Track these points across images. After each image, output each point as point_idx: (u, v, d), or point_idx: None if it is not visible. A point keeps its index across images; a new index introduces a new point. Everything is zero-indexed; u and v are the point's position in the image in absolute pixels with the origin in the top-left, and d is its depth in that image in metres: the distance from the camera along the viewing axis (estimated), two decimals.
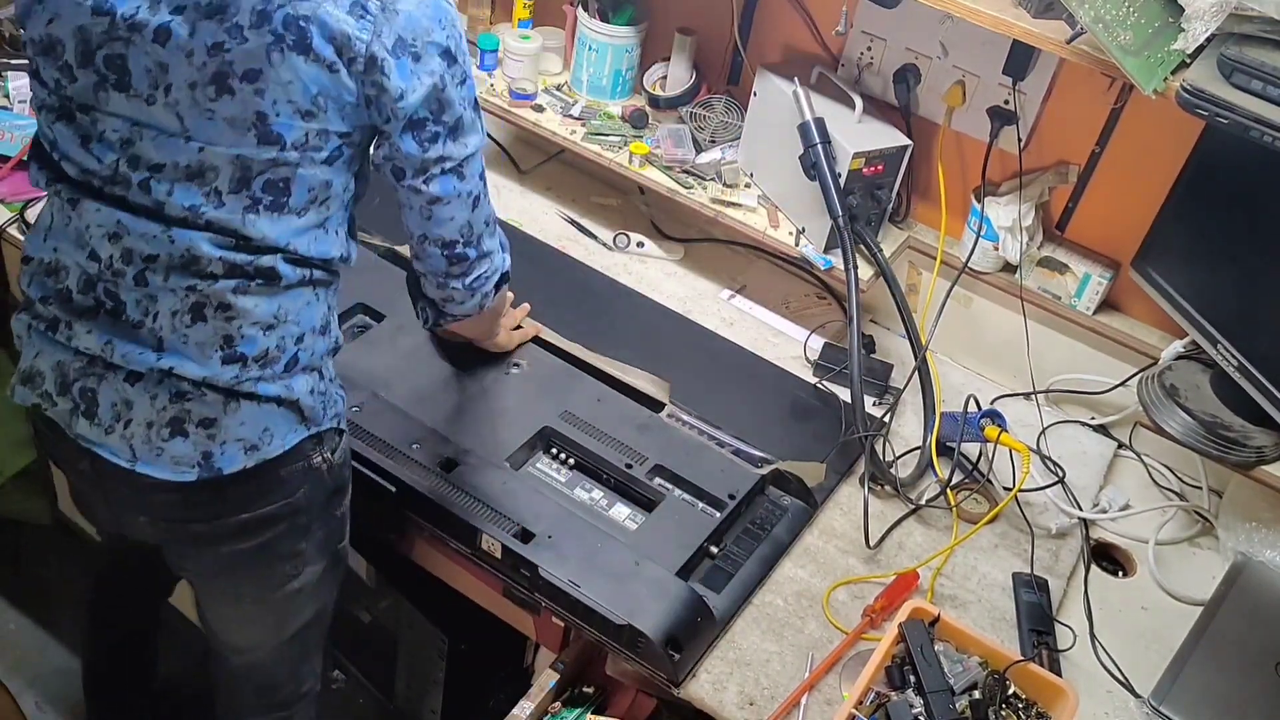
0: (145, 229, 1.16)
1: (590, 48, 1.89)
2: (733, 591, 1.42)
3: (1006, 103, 1.64)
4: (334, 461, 1.33)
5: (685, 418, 1.63)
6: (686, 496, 1.51)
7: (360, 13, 1.09)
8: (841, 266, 1.65)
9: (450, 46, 1.15)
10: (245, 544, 1.31)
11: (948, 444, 1.60)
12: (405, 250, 1.78)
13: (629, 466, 1.52)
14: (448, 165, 1.20)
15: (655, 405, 1.64)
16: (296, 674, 1.57)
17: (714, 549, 1.46)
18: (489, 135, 2.11)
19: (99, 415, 1.22)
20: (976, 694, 1.29)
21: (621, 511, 1.50)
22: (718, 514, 1.49)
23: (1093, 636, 1.46)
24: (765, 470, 1.56)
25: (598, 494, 1.51)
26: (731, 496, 1.50)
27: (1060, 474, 1.62)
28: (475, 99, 1.21)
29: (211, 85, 1.09)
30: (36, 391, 1.26)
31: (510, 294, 1.65)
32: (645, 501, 1.50)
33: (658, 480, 1.52)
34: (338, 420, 1.33)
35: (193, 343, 1.18)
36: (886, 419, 1.70)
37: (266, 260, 1.18)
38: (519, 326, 1.69)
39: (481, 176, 1.26)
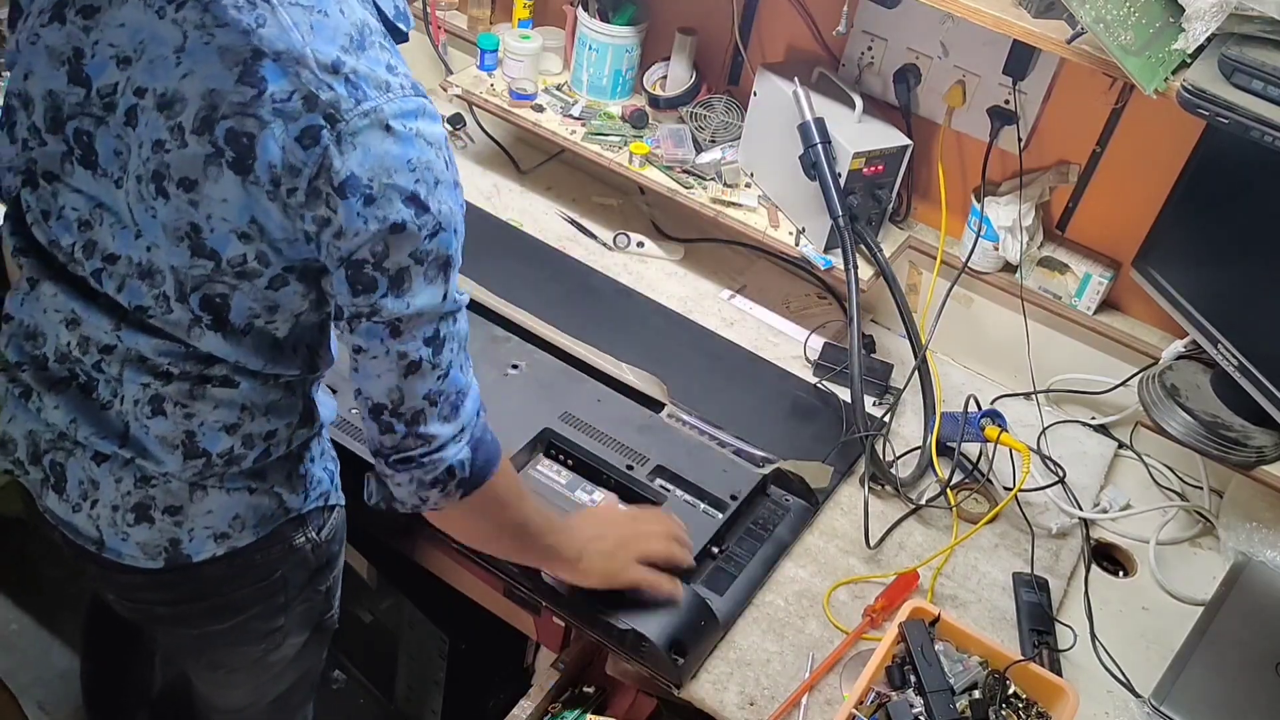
0: (98, 322, 1.09)
1: (590, 48, 1.89)
2: (735, 593, 1.42)
3: (1007, 102, 1.64)
4: (320, 540, 1.26)
5: (685, 418, 1.63)
6: (688, 498, 1.51)
7: (310, 142, 0.94)
8: (841, 266, 1.65)
9: (419, 193, 0.97)
10: (218, 625, 1.27)
11: (948, 444, 1.60)
12: None
13: (630, 468, 1.52)
14: (378, 318, 1.01)
15: (655, 405, 1.64)
16: None
17: (716, 550, 1.46)
18: (490, 136, 2.13)
19: (67, 492, 1.17)
20: (977, 694, 1.29)
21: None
22: (720, 515, 1.49)
23: (1093, 636, 1.46)
24: (767, 470, 1.56)
25: (598, 496, 1.51)
26: (734, 497, 1.50)
27: (1061, 474, 1.62)
28: (447, 258, 1.01)
29: (151, 183, 0.99)
30: (9, 458, 1.21)
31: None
32: (646, 503, 1.50)
33: (659, 481, 1.52)
34: (325, 499, 1.26)
35: (154, 435, 1.11)
36: (886, 419, 1.70)
37: (219, 370, 1.09)
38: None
39: (433, 343, 1.04)
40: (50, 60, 1.02)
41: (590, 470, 1.53)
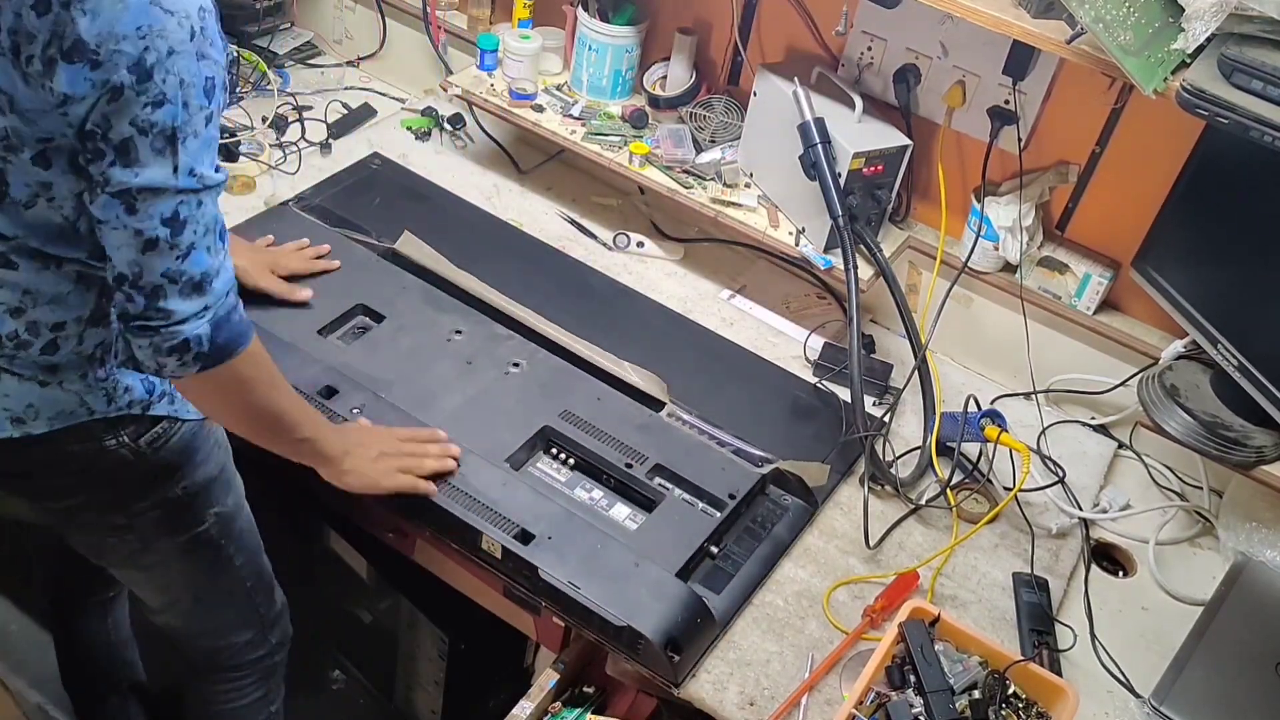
0: None
1: (590, 48, 1.89)
2: (733, 592, 1.42)
3: (1007, 103, 1.64)
4: (140, 447, 1.27)
5: (685, 417, 1.63)
6: (686, 496, 1.51)
7: (44, 8, 0.97)
8: (841, 266, 1.65)
9: (147, 62, 0.97)
10: (53, 505, 1.31)
11: (948, 444, 1.60)
12: (403, 248, 1.80)
13: (629, 466, 1.52)
14: (110, 189, 1.03)
15: (655, 404, 1.64)
16: (223, 638, 1.55)
17: (714, 549, 1.46)
18: (490, 136, 2.13)
19: None
20: (976, 694, 1.29)
21: (621, 511, 1.50)
22: (718, 514, 1.49)
23: (1093, 636, 1.46)
24: (765, 470, 1.56)
25: (598, 494, 1.51)
26: (732, 496, 1.50)
27: (1060, 474, 1.62)
28: (173, 130, 1.02)
29: None
30: None
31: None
32: (645, 501, 1.50)
33: (658, 480, 1.52)
34: (141, 408, 1.26)
35: None
36: (886, 419, 1.70)
37: (1, 247, 1.11)
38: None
39: (172, 223, 1.06)
40: None
41: (589, 469, 1.54)
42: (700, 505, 1.50)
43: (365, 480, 1.38)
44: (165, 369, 1.13)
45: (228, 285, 1.14)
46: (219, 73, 1.05)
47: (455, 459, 1.45)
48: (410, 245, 1.80)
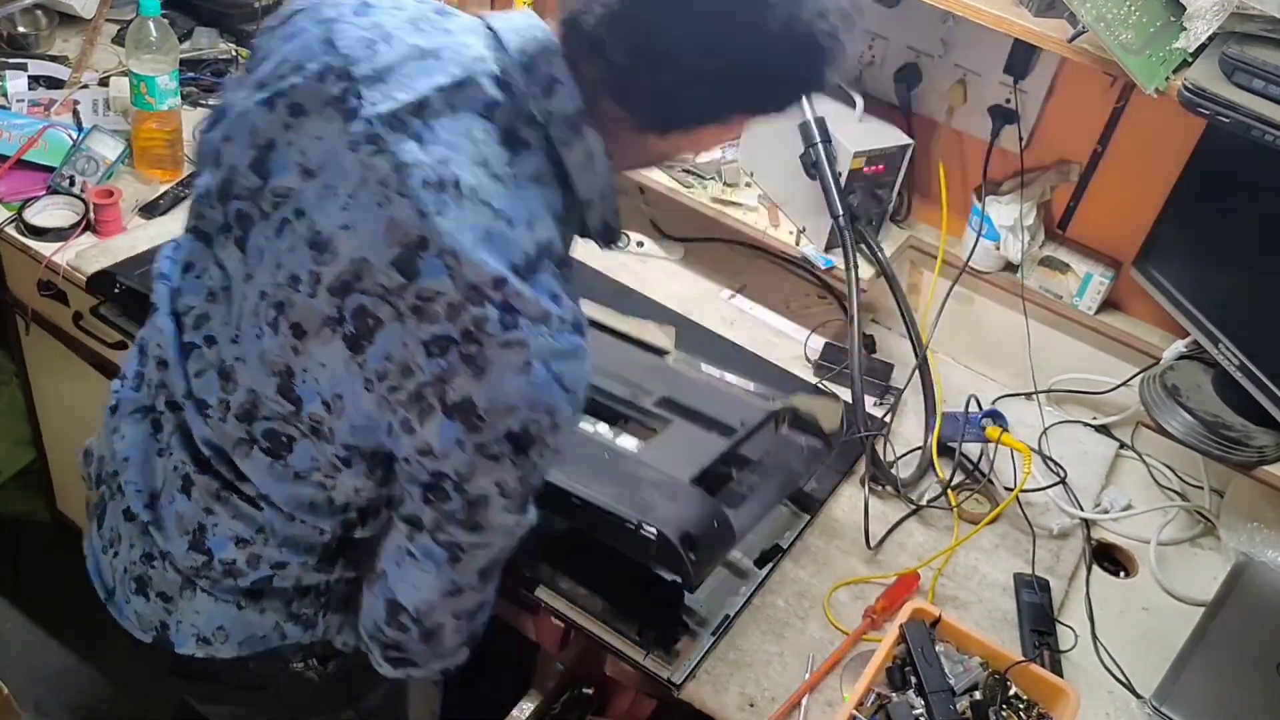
0: (178, 381, 1.06)
1: None
2: (748, 513, 1.36)
3: (1008, 101, 1.63)
4: (328, 670, 1.19)
5: (692, 363, 1.63)
6: (695, 426, 1.46)
7: (437, 351, 0.89)
8: (842, 266, 1.65)
9: (532, 435, 0.92)
10: (214, 707, 1.26)
11: (949, 444, 1.60)
12: None
13: (637, 400, 1.48)
14: (443, 538, 0.98)
15: (660, 354, 1.64)
16: None
17: (726, 469, 1.42)
18: None
19: (104, 528, 1.16)
20: (978, 694, 1.29)
21: (629, 441, 1.44)
22: (727, 439, 1.44)
23: (1094, 637, 1.46)
24: (778, 406, 1.52)
25: (602, 428, 1.46)
26: (743, 423, 1.45)
27: (1062, 474, 1.62)
28: (533, 489, 0.98)
29: (272, 309, 0.97)
30: (88, 467, 1.21)
31: None
32: (651, 431, 1.46)
33: (665, 412, 1.48)
34: (342, 643, 1.17)
35: (175, 511, 1.09)
36: (887, 419, 1.69)
37: (249, 489, 1.05)
38: None
39: (487, 574, 1.03)
40: (248, 138, 0.99)
41: (595, 405, 1.48)
42: (712, 434, 1.44)
43: None
44: (396, 672, 1.10)
45: (487, 614, 1.10)
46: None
47: None
48: None
